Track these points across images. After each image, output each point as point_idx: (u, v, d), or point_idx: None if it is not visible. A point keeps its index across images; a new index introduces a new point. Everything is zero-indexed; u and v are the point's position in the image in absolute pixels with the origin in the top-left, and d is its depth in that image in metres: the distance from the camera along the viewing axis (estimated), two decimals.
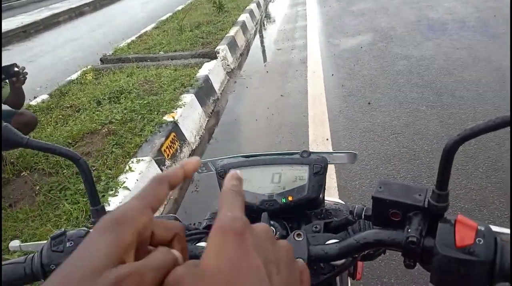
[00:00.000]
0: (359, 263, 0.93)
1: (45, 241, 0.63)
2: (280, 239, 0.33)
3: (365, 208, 0.59)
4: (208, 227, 0.70)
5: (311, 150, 0.72)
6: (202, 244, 0.67)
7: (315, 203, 0.68)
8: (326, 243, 0.60)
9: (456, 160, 2.21)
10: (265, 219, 0.63)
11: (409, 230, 0.49)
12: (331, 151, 0.86)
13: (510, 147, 2.55)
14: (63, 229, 0.62)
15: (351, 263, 0.76)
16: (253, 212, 0.67)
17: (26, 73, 2.51)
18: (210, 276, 0.24)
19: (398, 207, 0.52)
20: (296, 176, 0.68)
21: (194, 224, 0.75)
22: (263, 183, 0.69)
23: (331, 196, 2.42)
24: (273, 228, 0.65)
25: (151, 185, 0.30)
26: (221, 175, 0.71)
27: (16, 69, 2.40)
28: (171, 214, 0.79)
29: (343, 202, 0.84)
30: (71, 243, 0.60)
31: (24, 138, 0.59)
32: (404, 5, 6.64)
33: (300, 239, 0.57)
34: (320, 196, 0.68)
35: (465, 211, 2.17)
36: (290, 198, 0.67)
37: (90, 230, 0.61)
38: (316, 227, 0.65)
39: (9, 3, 16.66)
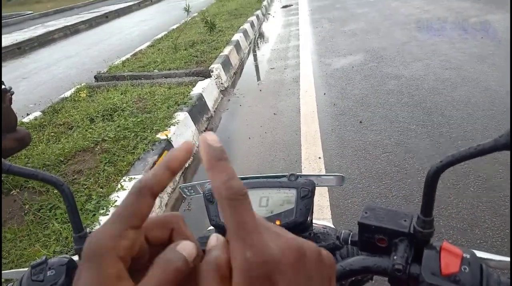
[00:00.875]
0: None
1: (26, 269, 0.61)
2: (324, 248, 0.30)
3: (351, 233, 0.60)
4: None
5: (301, 171, 0.73)
6: None
7: (303, 227, 0.68)
8: None
9: (447, 179, 2.23)
10: None
11: (395, 257, 0.50)
12: (319, 173, 0.87)
13: (510, 157, 2.58)
14: (44, 257, 0.60)
15: None
16: None
17: (13, 93, 2.50)
18: None
19: (384, 232, 0.53)
20: (283, 200, 0.68)
21: None
22: None
23: (324, 215, 2.42)
24: None
25: (129, 199, 0.25)
26: (209, 198, 0.70)
27: (3, 87, 2.38)
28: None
29: (331, 226, 0.85)
30: (52, 272, 0.58)
31: (5, 165, 0.57)
32: (395, 26, 6.79)
33: None
34: (308, 219, 0.68)
35: (458, 231, 2.18)
36: (277, 222, 0.67)
37: (72, 257, 0.60)
38: None
39: (5, 20, 16.76)
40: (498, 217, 2.23)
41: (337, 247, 0.67)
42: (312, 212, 0.70)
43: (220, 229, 0.69)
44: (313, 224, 0.73)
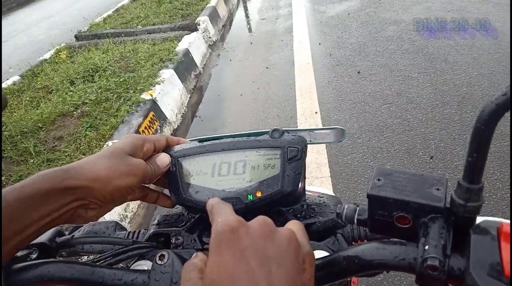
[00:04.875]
0: (353, 278, 0.77)
1: None
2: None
3: (358, 209, 0.42)
4: (153, 238, 0.54)
5: (294, 127, 0.55)
6: (143, 263, 0.51)
7: (292, 198, 0.52)
8: None
9: (453, 128, 2.04)
10: None
11: (426, 247, 0.33)
12: (312, 127, 0.68)
13: (510, 145, 2.41)
14: None
15: (341, 284, 0.60)
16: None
17: None
18: None
19: (407, 208, 0.36)
20: (265, 164, 0.51)
21: (139, 232, 0.58)
22: (222, 175, 0.52)
23: (323, 173, 2.28)
24: None
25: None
26: (174, 164, 0.53)
27: None
28: (113, 220, 0.61)
29: (331, 193, 0.67)
30: None
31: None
32: None
33: None
34: (299, 187, 0.51)
35: None
36: (258, 194, 0.50)
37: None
38: None
39: None
40: (508, 167, 2.09)
41: (339, 224, 0.50)
42: (304, 178, 0.52)
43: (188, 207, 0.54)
44: (306, 193, 0.55)
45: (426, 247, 0.32)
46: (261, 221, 0.33)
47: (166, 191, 0.55)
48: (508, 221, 0.34)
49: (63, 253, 0.58)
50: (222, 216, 0.32)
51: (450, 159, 2.22)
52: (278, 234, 0.32)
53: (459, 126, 2.45)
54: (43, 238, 0.54)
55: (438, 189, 0.36)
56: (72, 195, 0.43)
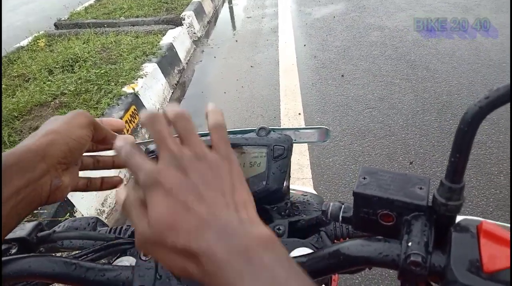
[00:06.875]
0: (333, 276, 0.77)
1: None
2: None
3: (343, 207, 0.43)
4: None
5: (277, 126, 0.54)
6: (125, 259, 0.50)
7: (277, 196, 0.52)
8: (292, 254, 0.44)
9: (431, 135, 2.10)
10: None
11: (409, 243, 0.34)
12: (297, 126, 0.68)
13: (510, 144, 2.48)
14: None
15: (322, 282, 0.60)
16: None
17: None
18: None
19: (391, 206, 0.37)
20: (251, 162, 0.52)
21: (121, 228, 0.57)
22: None
23: (304, 174, 2.29)
24: None
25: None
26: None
27: None
28: (94, 216, 0.60)
29: (313, 191, 0.67)
30: None
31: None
32: None
33: None
34: (284, 185, 0.51)
35: None
36: None
37: None
38: (279, 229, 0.49)
39: None
40: (483, 175, 2.15)
41: (322, 222, 0.51)
42: (289, 177, 0.53)
43: None
44: (290, 191, 0.56)
45: (409, 244, 0.34)
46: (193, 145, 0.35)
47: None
48: (485, 220, 0.35)
49: (41, 249, 0.56)
50: (142, 171, 0.33)
51: (429, 165, 2.27)
52: (207, 157, 0.34)
53: (439, 133, 2.50)
54: (23, 232, 0.53)
55: (421, 188, 0.37)
56: (36, 155, 0.41)
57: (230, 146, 0.37)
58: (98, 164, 0.53)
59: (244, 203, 0.34)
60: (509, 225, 0.42)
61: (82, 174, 0.50)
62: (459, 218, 0.36)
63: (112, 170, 0.56)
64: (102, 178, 0.53)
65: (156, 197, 0.31)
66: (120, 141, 0.36)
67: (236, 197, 0.33)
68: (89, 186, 0.52)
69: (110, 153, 0.48)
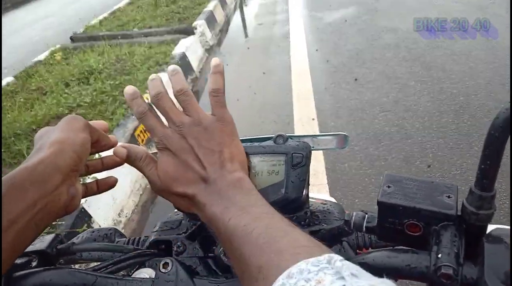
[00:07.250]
0: None
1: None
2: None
3: (366, 216, 0.42)
4: (154, 245, 0.53)
5: (291, 133, 0.53)
6: (144, 271, 0.49)
7: (296, 205, 0.51)
8: None
9: (449, 138, 2.04)
10: None
11: (439, 255, 0.32)
12: (315, 133, 0.67)
13: (510, 142, 2.41)
14: None
15: None
16: None
17: None
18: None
19: (418, 216, 0.36)
20: (269, 170, 0.50)
21: (139, 239, 0.56)
22: None
23: (320, 180, 2.26)
24: None
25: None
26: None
27: None
28: (112, 227, 0.60)
29: (333, 200, 0.65)
30: None
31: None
32: None
33: None
34: (303, 194, 0.50)
35: (463, 194, 2.04)
36: None
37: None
38: None
39: None
40: (504, 178, 2.09)
41: (344, 232, 0.49)
42: (308, 185, 0.52)
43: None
44: (310, 200, 0.54)
45: (439, 255, 0.32)
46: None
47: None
48: None
49: (61, 260, 0.56)
50: (155, 135, 0.46)
51: (447, 168, 2.21)
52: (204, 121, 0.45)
53: (456, 135, 2.45)
54: (43, 245, 0.53)
55: (449, 197, 0.36)
56: (49, 167, 0.40)
57: (226, 108, 0.45)
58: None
59: (230, 157, 0.44)
60: None
61: None
62: (490, 227, 0.35)
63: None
64: (96, 181, 0.52)
65: (164, 157, 0.45)
66: (138, 100, 0.49)
67: (224, 154, 0.43)
68: (87, 191, 0.51)
69: (107, 153, 0.49)
